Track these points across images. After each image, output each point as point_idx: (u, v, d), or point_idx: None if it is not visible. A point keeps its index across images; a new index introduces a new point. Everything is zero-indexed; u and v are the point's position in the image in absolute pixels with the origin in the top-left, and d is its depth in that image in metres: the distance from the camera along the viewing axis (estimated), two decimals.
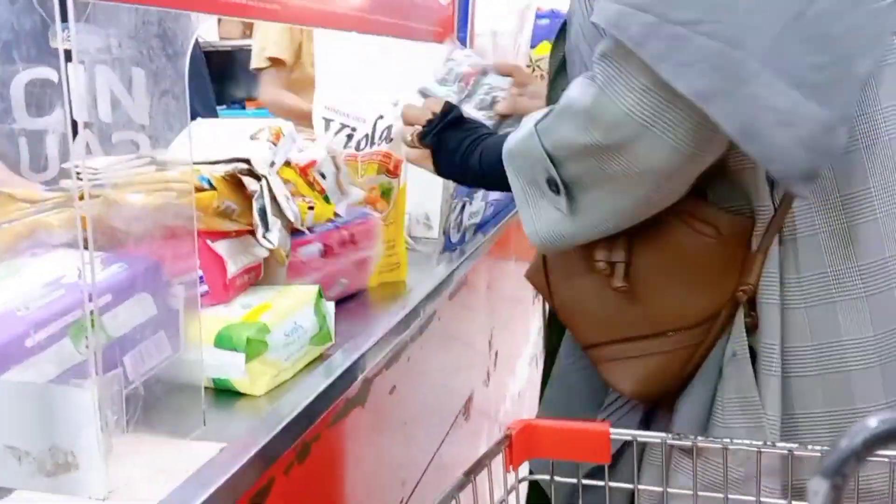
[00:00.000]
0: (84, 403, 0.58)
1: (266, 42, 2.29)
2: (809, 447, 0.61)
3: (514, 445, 0.68)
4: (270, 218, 0.73)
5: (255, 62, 2.33)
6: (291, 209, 0.75)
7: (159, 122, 0.62)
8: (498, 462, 0.67)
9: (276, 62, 2.31)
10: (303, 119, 2.45)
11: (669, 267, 0.78)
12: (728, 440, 0.66)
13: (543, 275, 0.86)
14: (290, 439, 0.71)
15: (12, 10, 1.26)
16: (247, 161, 0.76)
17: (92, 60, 0.58)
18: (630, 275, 0.78)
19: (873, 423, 0.33)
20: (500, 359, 1.64)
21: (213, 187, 0.73)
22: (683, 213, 0.76)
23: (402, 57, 1.16)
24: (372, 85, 1.22)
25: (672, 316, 0.78)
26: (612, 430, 0.67)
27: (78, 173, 0.61)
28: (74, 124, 0.59)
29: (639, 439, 0.68)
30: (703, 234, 0.77)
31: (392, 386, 0.95)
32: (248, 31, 5.29)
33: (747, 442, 0.64)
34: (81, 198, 0.60)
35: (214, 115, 1.76)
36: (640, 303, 0.79)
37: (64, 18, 0.51)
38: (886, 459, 0.61)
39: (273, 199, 0.74)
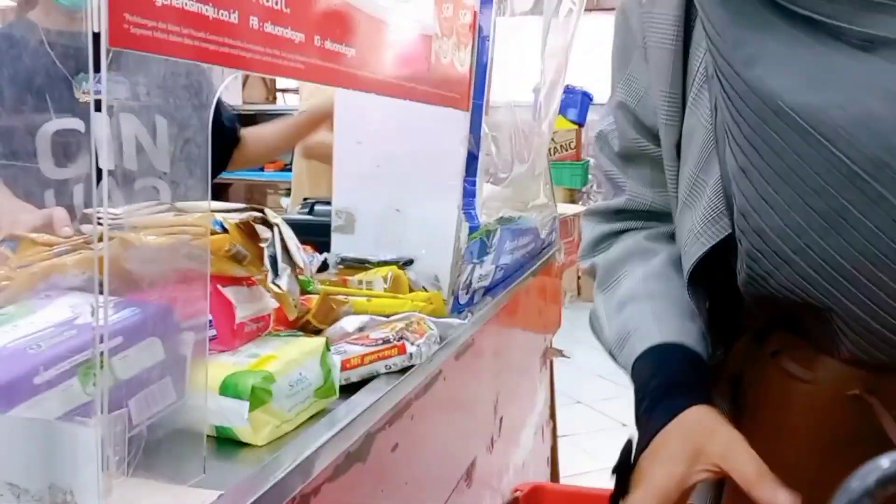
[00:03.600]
0: (87, 441, 0.58)
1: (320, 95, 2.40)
2: None
3: None
4: (280, 265, 0.75)
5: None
6: (301, 257, 0.77)
7: (181, 169, 0.64)
8: None
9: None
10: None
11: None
12: None
13: None
14: (288, 490, 0.71)
15: (36, 61, 1.31)
16: (260, 210, 0.78)
17: (120, 108, 0.61)
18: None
19: (885, 463, 0.33)
20: (505, 426, 1.62)
21: (225, 231, 0.75)
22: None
23: (418, 120, 1.19)
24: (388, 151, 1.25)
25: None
26: None
27: (99, 219, 0.63)
28: (99, 171, 0.61)
29: None
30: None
31: (394, 443, 0.95)
32: (271, 95, 5.45)
33: None
34: (100, 240, 0.62)
35: None
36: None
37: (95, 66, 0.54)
38: None
39: (284, 247, 0.76)
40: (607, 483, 0.72)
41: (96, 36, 0.51)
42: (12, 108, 1.22)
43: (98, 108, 0.55)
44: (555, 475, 2.26)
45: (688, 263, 0.68)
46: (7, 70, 1.25)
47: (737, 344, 0.75)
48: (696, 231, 0.67)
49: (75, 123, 1.19)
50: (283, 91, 5.46)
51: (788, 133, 0.56)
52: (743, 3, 0.60)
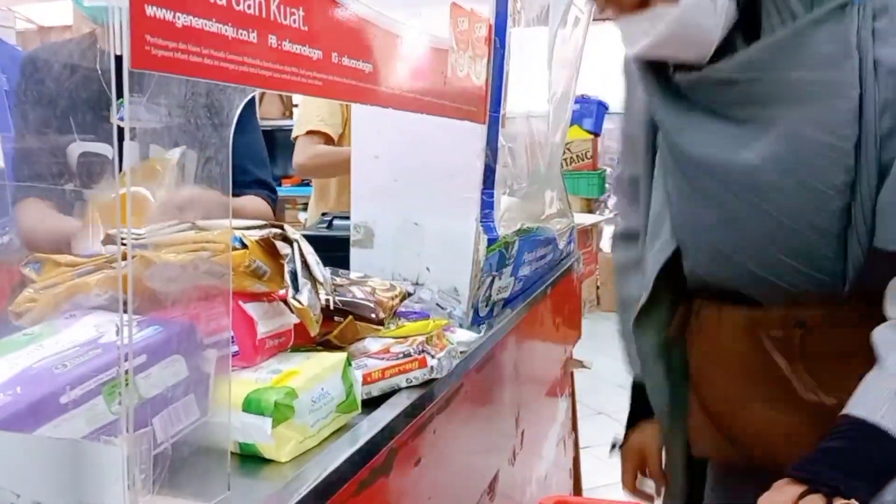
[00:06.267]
0: (113, 460, 0.58)
1: (321, 114, 2.27)
2: None
3: None
4: (300, 279, 0.75)
5: (303, 129, 2.29)
6: (321, 272, 0.77)
7: (202, 187, 0.65)
8: None
9: (324, 136, 2.29)
10: (342, 167, 2.00)
11: None
12: None
13: None
14: None
15: (72, 81, 1.33)
16: (280, 227, 0.78)
17: (142, 130, 0.61)
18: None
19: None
20: (527, 438, 1.61)
21: (245, 248, 0.75)
22: None
23: (435, 133, 1.19)
24: (405, 165, 1.25)
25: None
26: None
27: (123, 240, 0.63)
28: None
29: None
30: None
31: (417, 458, 0.94)
32: (287, 111, 5.48)
33: None
34: (124, 258, 0.62)
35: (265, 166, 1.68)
36: None
37: (119, 92, 0.54)
38: None
39: (304, 262, 0.76)
40: (630, 496, 0.72)
41: (118, 58, 0.51)
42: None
43: (124, 132, 0.56)
44: (577, 487, 2.24)
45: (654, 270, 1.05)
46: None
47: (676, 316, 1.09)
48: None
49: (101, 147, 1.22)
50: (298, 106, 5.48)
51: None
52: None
